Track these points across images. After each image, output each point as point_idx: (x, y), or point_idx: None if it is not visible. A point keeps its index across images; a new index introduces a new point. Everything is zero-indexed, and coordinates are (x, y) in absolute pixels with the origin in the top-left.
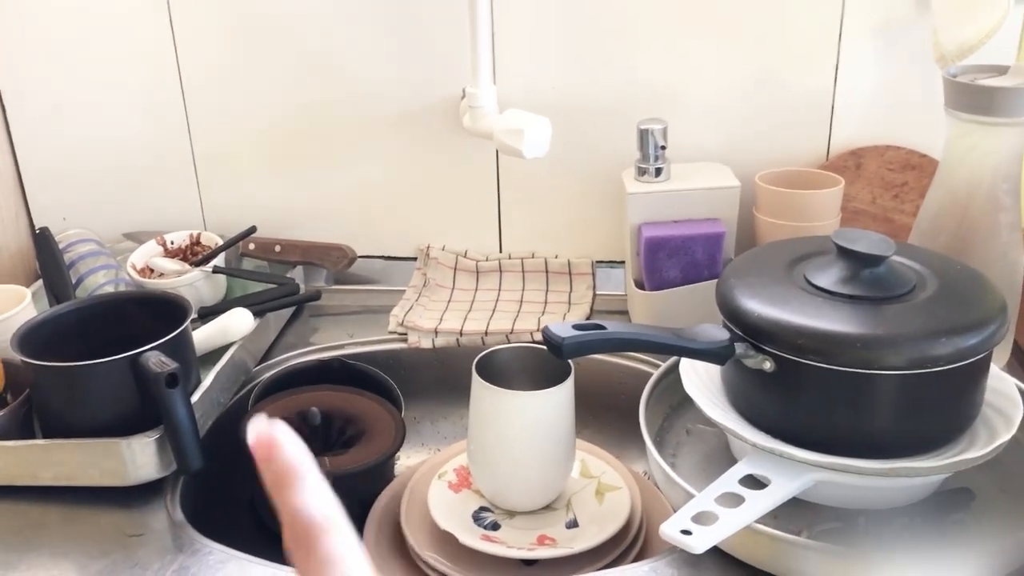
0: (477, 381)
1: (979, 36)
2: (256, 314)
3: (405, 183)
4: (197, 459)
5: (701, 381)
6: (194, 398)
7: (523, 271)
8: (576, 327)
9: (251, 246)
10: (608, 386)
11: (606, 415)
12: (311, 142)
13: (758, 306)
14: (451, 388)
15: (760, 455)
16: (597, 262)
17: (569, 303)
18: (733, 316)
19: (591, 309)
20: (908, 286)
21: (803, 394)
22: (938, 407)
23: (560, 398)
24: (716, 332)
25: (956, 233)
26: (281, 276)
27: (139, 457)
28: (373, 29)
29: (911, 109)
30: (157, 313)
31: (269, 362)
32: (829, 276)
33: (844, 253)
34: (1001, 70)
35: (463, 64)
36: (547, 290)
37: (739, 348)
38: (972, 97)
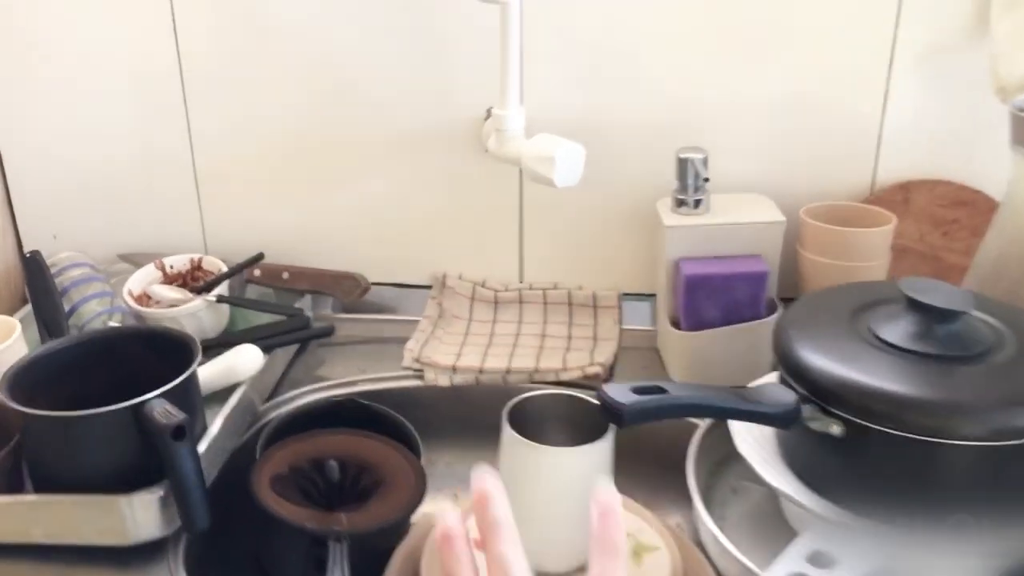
0: (509, 433)
1: None
2: (264, 350)
3: (421, 207)
4: (204, 517)
5: (754, 439)
6: (201, 448)
7: (545, 303)
8: (636, 390)
9: (256, 273)
10: (636, 429)
11: (634, 460)
12: (321, 161)
13: (826, 364)
14: (469, 427)
15: (826, 528)
16: (624, 294)
17: (594, 338)
18: (797, 374)
19: (618, 346)
20: (985, 344)
21: (875, 462)
22: (1021, 480)
23: (599, 453)
24: (781, 393)
25: (1021, 280)
26: (290, 307)
27: (140, 515)
28: (389, 44)
29: (964, 142)
30: (160, 351)
31: (276, 400)
32: (899, 330)
33: (916, 306)
34: None
35: (485, 82)
36: (570, 323)
37: (806, 411)
38: None
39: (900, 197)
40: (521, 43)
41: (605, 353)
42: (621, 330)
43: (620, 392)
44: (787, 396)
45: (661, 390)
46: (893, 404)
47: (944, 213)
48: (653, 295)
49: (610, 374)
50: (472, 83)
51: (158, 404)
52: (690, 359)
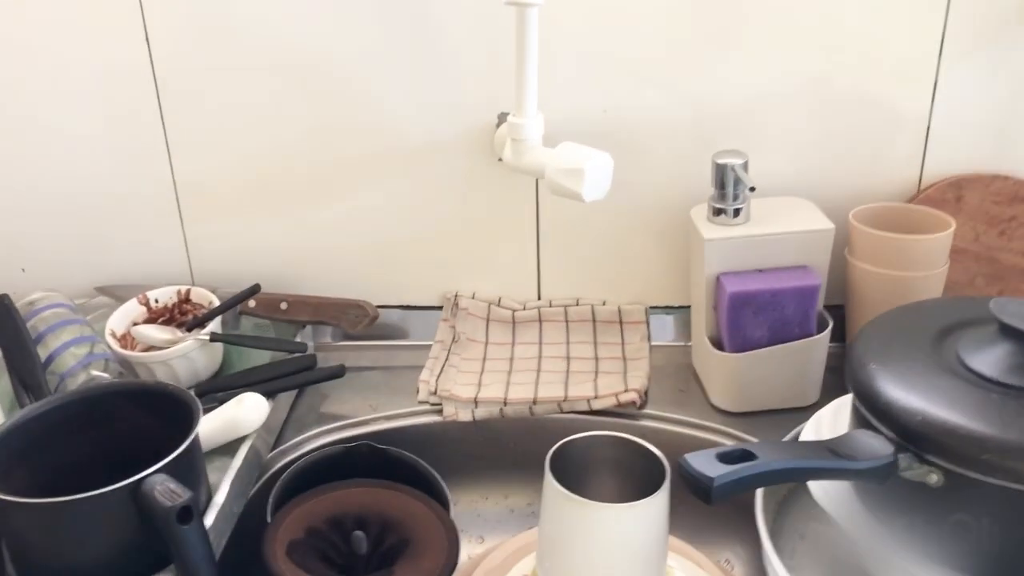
0: (554, 487)
1: None
2: (267, 395)
3: (427, 222)
4: None
5: (830, 484)
6: (207, 521)
7: (566, 320)
8: (723, 458)
9: (251, 303)
10: (675, 456)
11: (676, 489)
12: (316, 176)
13: (920, 404)
14: (493, 464)
15: None
16: (650, 308)
17: (624, 359)
18: (887, 416)
19: (650, 366)
20: None
21: (979, 517)
22: None
23: (657, 506)
24: (876, 444)
25: None
26: (292, 342)
27: None
28: (390, 48)
29: (1020, 132)
30: (156, 410)
31: (283, 447)
32: (994, 361)
33: (1013, 334)
34: None
35: (496, 85)
36: (596, 343)
37: (901, 461)
38: None
39: (952, 195)
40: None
41: (638, 377)
42: (651, 347)
43: (706, 464)
44: (882, 448)
45: (749, 455)
46: (1002, 452)
47: (1000, 211)
48: (683, 308)
49: (645, 400)
50: (481, 86)
51: (159, 481)
52: (735, 382)
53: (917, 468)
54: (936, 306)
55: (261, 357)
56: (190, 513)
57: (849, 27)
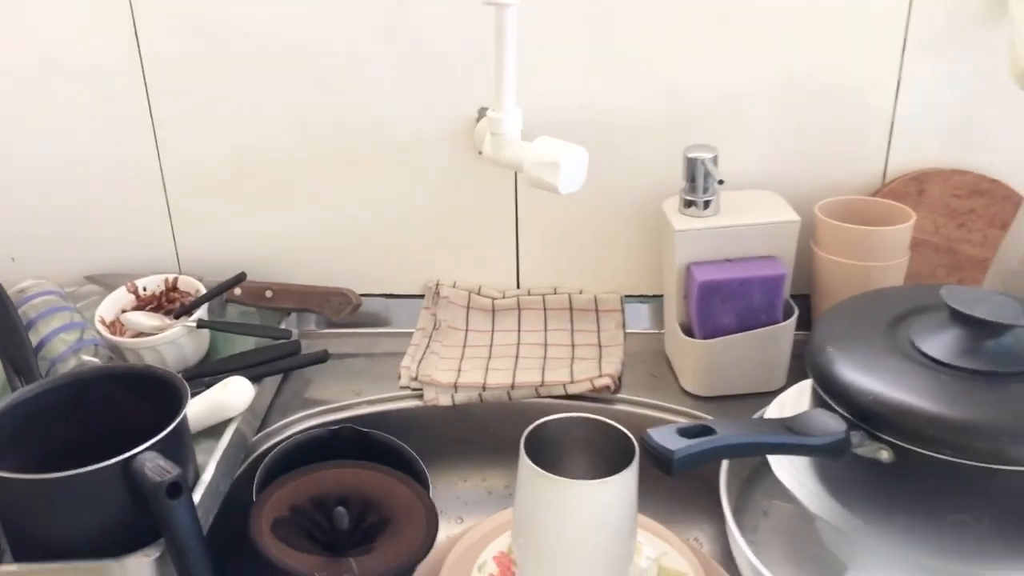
0: (528, 465)
1: None
2: (253, 380)
3: (409, 212)
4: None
5: (789, 461)
6: (195, 497)
7: (544, 309)
8: (683, 433)
9: (237, 291)
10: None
11: (643, 471)
12: (301, 167)
13: (873, 385)
14: (472, 446)
15: (874, 559)
16: (625, 297)
17: (599, 345)
18: (842, 396)
19: (624, 352)
20: None
21: (928, 490)
22: None
23: (626, 483)
24: (830, 422)
25: None
26: (277, 328)
27: None
28: (373, 42)
29: (979, 130)
30: (145, 392)
31: (268, 430)
32: (944, 344)
33: (962, 319)
34: None
35: (476, 80)
36: (572, 330)
37: (854, 438)
38: None
39: (914, 189)
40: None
41: (612, 363)
42: (625, 335)
43: (667, 438)
44: (836, 425)
45: (709, 430)
46: (949, 429)
47: (960, 204)
48: (656, 296)
49: (619, 385)
50: (462, 81)
51: (149, 458)
52: (704, 368)
53: (869, 445)
54: (893, 293)
55: (247, 344)
56: (179, 488)
57: (817, 27)
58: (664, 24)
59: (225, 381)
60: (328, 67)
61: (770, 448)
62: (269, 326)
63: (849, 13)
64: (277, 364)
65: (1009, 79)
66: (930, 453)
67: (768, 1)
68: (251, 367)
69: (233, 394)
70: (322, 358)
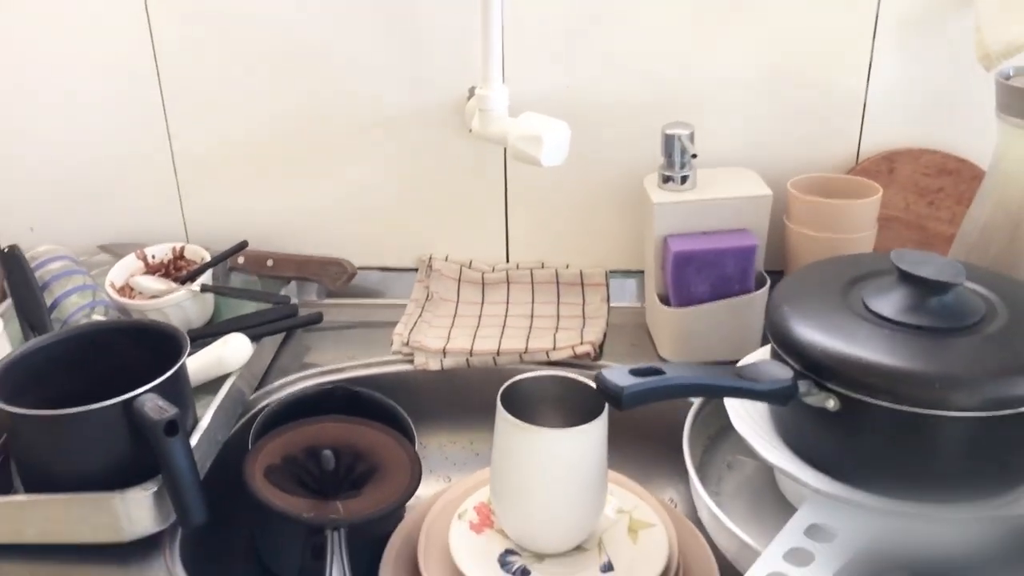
0: (503, 416)
1: None
2: (252, 339)
3: (404, 189)
4: (201, 512)
5: (748, 414)
6: (193, 441)
7: (532, 282)
8: (634, 372)
9: (240, 260)
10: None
11: (627, 435)
12: (303, 145)
13: (821, 339)
14: (460, 410)
15: (823, 501)
16: (611, 272)
17: (583, 316)
18: (792, 349)
19: (607, 323)
20: (978, 315)
21: (870, 436)
22: (1018, 450)
23: (594, 434)
24: (777, 370)
25: (1008, 248)
26: (276, 295)
27: (134, 512)
28: (370, 23)
29: (948, 110)
30: (147, 344)
31: (266, 388)
32: (891, 303)
33: (908, 279)
34: None
35: (468, 60)
36: (558, 302)
37: (801, 386)
38: None
39: (885, 167)
40: (503, 21)
41: (594, 331)
42: (609, 308)
43: (618, 375)
44: (783, 372)
45: (659, 371)
46: (888, 377)
47: (929, 182)
48: (641, 272)
49: (599, 352)
50: (454, 61)
51: (149, 399)
52: (680, 336)
53: (817, 394)
54: (853, 259)
55: (248, 308)
56: (176, 427)
57: (792, 12)
58: (647, 10)
59: (225, 338)
60: (327, 50)
61: (717, 390)
62: (267, 291)
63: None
64: (274, 325)
65: (975, 61)
66: (871, 400)
67: None
68: (250, 328)
69: (232, 350)
70: (316, 319)
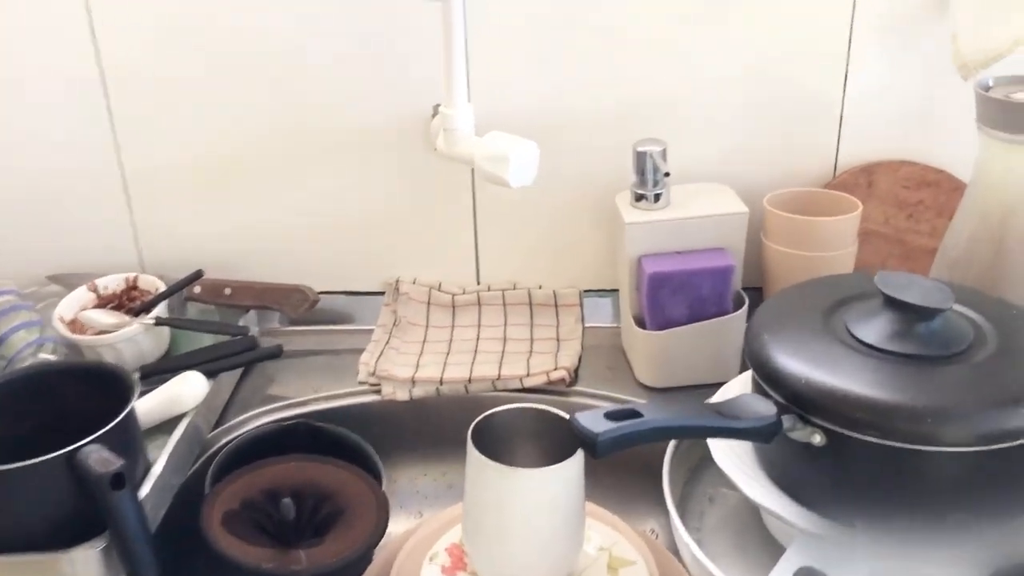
0: (475, 455)
1: (1009, 43)
2: (209, 375)
3: (369, 210)
4: (152, 569)
5: (730, 448)
6: (144, 490)
7: (504, 304)
8: (610, 416)
9: (197, 289)
10: None
11: (604, 464)
12: (261, 164)
13: (804, 370)
14: (431, 441)
15: (812, 542)
16: (584, 291)
17: (557, 339)
18: (775, 381)
19: (582, 346)
20: (966, 341)
21: (859, 472)
22: (1011, 485)
23: (571, 472)
24: (760, 405)
25: (992, 263)
26: (234, 326)
27: (81, 572)
28: (328, 39)
29: (926, 121)
30: (94, 386)
31: (225, 425)
32: (876, 329)
33: (894, 304)
34: None
35: (433, 78)
36: (532, 324)
37: (786, 421)
38: (1012, 115)
39: (863, 180)
40: (466, 38)
41: (569, 356)
42: (584, 329)
43: (592, 420)
44: (766, 408)
45: (635, 414)
46: (876, 412)
47: (908, 195)
48: (616, 291)
49: (575, 378)
50: (418, 78)
51: (93, 451)
52: (657, 359)
53: (801, 429)
54: (834, 281)
55: (205, 341)
56: (122, 480)
57: (766, 23)
58: (616, 23)
59: (180, 376)
60: (286, 67)
61: (697, 431)
62: (225, 323)
63: (797, 8)
64: (233, 359)
65: (953, 70)
66: (859, 436)
67: (722, 1)
68: (207, 363)
69: (187, 388)
70: (276, 353)
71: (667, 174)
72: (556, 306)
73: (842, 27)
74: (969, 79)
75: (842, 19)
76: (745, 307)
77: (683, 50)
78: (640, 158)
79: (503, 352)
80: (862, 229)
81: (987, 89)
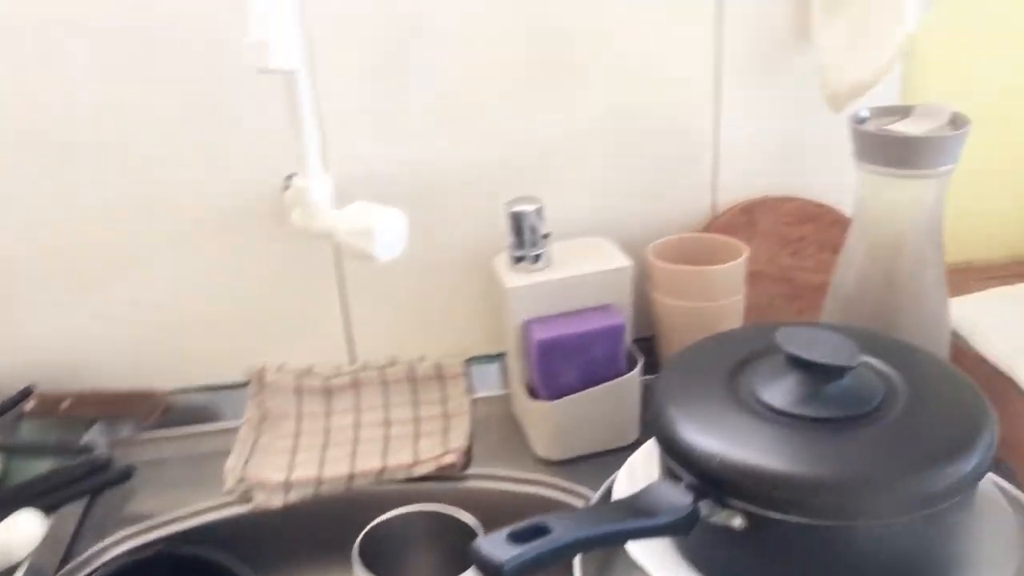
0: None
1: (876, 72)
2: (47, 510)
3: (223, 295)
4: None
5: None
6: None
7: (384, 382)
8: (513, 537)
9: (30, 405)
10: (515, 516)
11: None
12: (95, 255)
13: (717, 446)
14: (312, 549)
15: None
16: (470, 359)
17: (446, 415)
18: (685, 460)
19: (471, 420)
20: (878, 396)
21: (785, 552)
22: (944, 547)
23: None
24: (673, 495)
25: (884, 298)
26: (77, 444)
27: None
28: (170, 118)
29: (802, 155)
30: None
31: (74, 562)
32: (784, 392)
33: (799, 363)
34: (904, 111)
35: (281, 146)
36: (416, 402)
37: (703, 508)
38: (891, 149)
39: (745, 220)
40: (317, 103)
41: (459, 436)
42: (472, 401)
43: (495, 546)
44: (682, 498)
45: (543, 530)
46: (795, 489)
47: (790, 231)
48: (502, 354)
49: (467, 460)
50: (267, 149)
51: None
52: (554, 431)
53: (720, 513)
54: (732, 338)
55: (46, 465)
56: None
57: (633, 67)
58: (480, 75)
59: (8, 520)
60: (121, 145)
61: (613, 539)
62: (67, 443)
63: (661, 48)
64: (75, 487)
65: (822, 102)
66: (779, 516)
67: (582, 45)
68: (46, 494)
69: (21, 533)
70: (126, 475)
71: (546, 235)
72: (441, 378)
73: (706, 64)
74: (841, 110)
75: (705, 56)
76: (640, 366)
77: (549, 103)
78: (516, 219)
79: (387, 438)
80: (748, 270)
81: (862, 122)
